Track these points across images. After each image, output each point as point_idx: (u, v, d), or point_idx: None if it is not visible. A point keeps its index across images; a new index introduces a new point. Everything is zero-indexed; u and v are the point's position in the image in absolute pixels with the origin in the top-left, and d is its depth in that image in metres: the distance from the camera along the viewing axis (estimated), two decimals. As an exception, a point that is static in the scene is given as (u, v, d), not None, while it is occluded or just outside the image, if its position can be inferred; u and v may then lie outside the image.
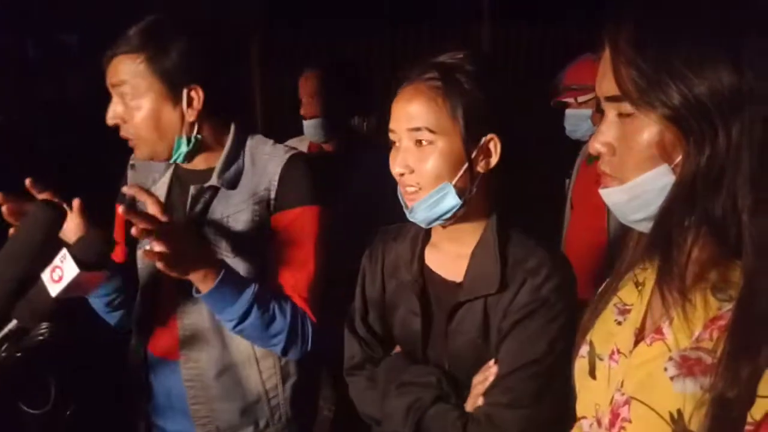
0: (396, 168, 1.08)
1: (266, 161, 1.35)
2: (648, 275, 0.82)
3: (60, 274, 0.90)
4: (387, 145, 1.13)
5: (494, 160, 1.08)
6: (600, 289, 0.89)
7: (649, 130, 0.69)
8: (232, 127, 1.37)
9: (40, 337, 0.91)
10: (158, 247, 1.12)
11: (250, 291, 1.24)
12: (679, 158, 0.68)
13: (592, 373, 0.84)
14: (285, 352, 1.31)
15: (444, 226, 1.13)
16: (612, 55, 0.70)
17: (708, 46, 0.65)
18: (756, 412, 0.62)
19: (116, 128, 1.31)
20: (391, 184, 1.14)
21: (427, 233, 1.19)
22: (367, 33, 4.86)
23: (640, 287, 0.83)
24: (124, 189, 1.26)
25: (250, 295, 1.23)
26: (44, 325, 0.91)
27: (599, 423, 0.80)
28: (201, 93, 1.29)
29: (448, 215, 1.08)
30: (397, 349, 1.19)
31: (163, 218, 1.13)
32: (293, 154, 1.36)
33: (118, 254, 1.47)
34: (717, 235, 0.68)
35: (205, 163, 1.37)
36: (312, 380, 1.52)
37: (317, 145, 2.32)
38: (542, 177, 2.49)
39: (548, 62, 4.41)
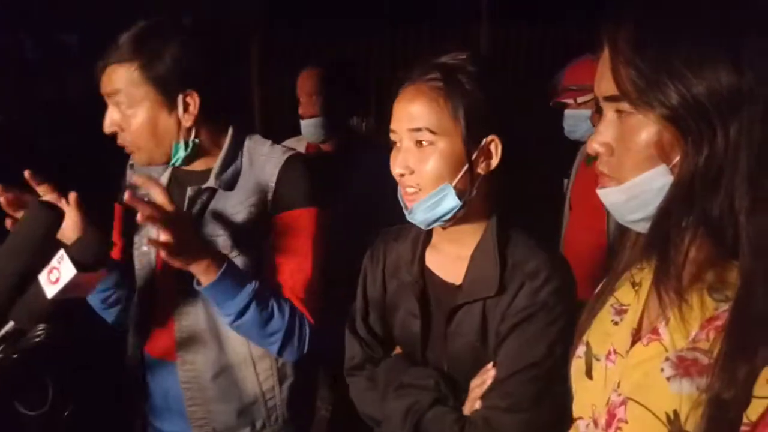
0: (396, 168, 1.08)
1: (264, 162, 1.35)
2: (645, 275, 0.82)
3: (57, 275, 0.90)
4: (386, 145, 1.13)
5: (495, 161, 1.08)
6: (597, 290, 0.89)
7: (647, 130, 0.69)
8: (230, 129, 1.37)
9: (37, 339, 0.91)
10: (164, 236, 1.13)
11: (251, 286, 1.24)
12: (677, 158, 0.68)
13: (589, 374, 0.84)
14: (281, 352, 1.31)
15: (444, 228, 1.13)
16: (611, 54, 0.70)
17: (707, 46, 0.65)
18: (752, 413, 0.62)
19: (114, 135, 1.31)
20: (390, 184, 1.13)
21: (428, 234, 1.18)
22: (367, 33, 4.86)
23: (636, 287, 0.82)
24: (134, 178, 1.26)
25: (250, 290, 1.24)
26: (41, 326, 0.91)
27: (596, 423, 0.80)
28: (197, 98, 1.28)
29: (448, 216, 1.08)
30: (397, 350, 1.19)
31: (169, 207, 1.14)
32: (291, 156, 1.36)
33: (116, 255, 1.47)
34: (714, 236, 0.68)
35: (204, 164, 1.37)
36: (309, 381, 1.52)
37: (315, 145, 2.32)
38: (542, 177, 2.48)
39: (548, 62, 4.40)
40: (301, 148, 2.25)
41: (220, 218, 1.34)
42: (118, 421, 1.54)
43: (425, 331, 1.14)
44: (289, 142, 2.26)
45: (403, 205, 1.12)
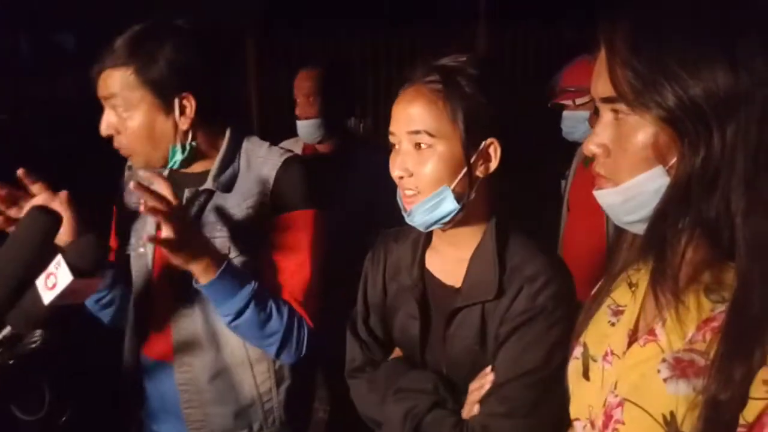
0: (395, 171, 1.08)
1: (261, 164, 1.35)
2: (641, 276, 0.82)
3: (54, 281, 0.89)
4: (384, 147, 1.13)
5: (494, 164, 1.07)
6: (593, 291, 0.89)
7: (644, 131, 0.69)
8: (228, 131, 1.37)
9: (34, 344, 0.90)
10: (166, 231, 1.13)
11: (250, 286, 1.24)
12: (673, 160, 0.68)
13: (586, 375, 0.84)
14: (279, 353, 1.31)
15: (443, 230, 1.12)
16: (608, 55, 0.70)
17: (703, 48, 0.65)
18: (748, 414, 0.62)
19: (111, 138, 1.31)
20: (388, 185, 1.13)
21: (428, 236, 1.18)
22: (367, 33, 4.85)
23: (633, 288, 0.82)
24: (140, 173, 1.25)
25: (249, 290, 1.24)
26: (37, 332, 0.91)
27: (593, 425, 0.80)
28: (193, 101, 1.27)
29: (446, 219, 1.08)
30: (397, 352, 1.19)
31: (174, 201, 1.14)
32: (288, 157, 1.35)
33: (110, 257, 1.47)
34: (711, 237, 0.68)
35: (201, 166, 1.36)
36: (306, 384, 1.52)
37: (312, 146, 2.31)
38: (540, 178, 2.48)
39: (546, 63, 4.40)
40: (298, 150, 2.24)
41: (218, 220, 1.34)
42: (114, 426, 1.54)
43: (424, 334, 1.14)
44: (287, 144, 2.26)
45: (402, 208, 1.12)
